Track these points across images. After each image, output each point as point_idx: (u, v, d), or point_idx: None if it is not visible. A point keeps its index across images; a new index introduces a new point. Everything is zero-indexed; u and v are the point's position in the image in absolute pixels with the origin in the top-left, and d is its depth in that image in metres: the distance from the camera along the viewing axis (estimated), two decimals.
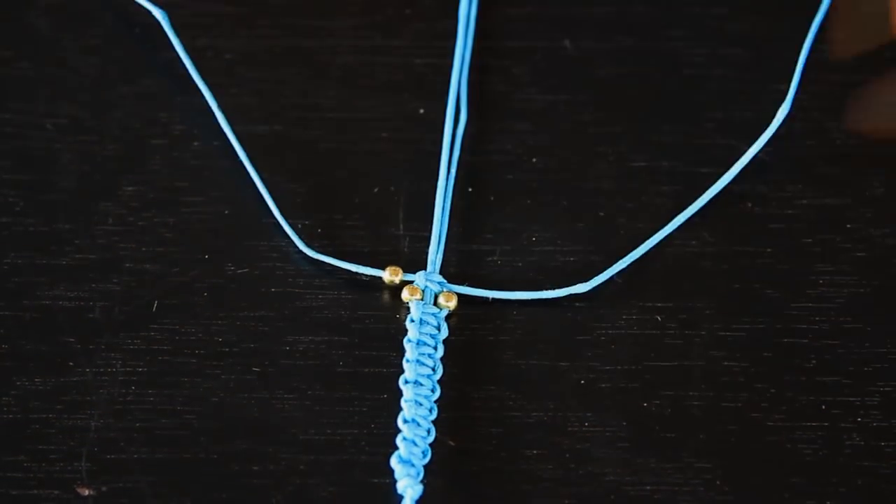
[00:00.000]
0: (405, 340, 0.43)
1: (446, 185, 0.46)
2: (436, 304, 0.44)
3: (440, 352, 0.43)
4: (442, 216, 0.45)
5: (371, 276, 0.44)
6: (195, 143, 0.47)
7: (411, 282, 0.44)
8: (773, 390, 0.43)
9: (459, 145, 0.47)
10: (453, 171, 0.46)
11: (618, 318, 0.44)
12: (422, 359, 0.42)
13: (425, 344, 0.43)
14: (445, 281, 0.44)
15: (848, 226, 0.46)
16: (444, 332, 0.43)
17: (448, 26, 0.50)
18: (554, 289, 0.44)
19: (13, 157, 0.46)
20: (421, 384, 0.42)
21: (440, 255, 0.45)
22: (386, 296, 0.44)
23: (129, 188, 0.46)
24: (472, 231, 0.46)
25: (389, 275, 0.44)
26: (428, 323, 0.43)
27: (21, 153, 0.46)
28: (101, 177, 0.46)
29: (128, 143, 0.47)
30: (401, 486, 0.40)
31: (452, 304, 0.44)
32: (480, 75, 0.49)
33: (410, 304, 0.43)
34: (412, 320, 0.43)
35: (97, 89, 0.48)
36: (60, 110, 0.48)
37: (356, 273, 0.44)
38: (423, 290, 0.44)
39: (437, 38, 0.50)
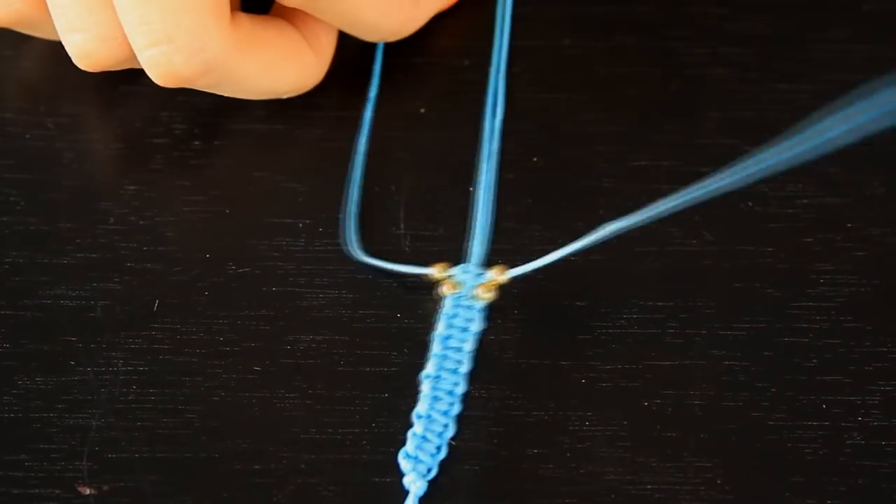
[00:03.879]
0: (434, 334, 0.42)
1: (486, 176, 0.46)
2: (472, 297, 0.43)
3: (470, 346, 0.42)
4: (483, 208, 0.45)
5: (420, 274, 0.44)
6: (196, 143, 0.47)
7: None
8: (773, 389, 0.43)
9: (500, 137, 0.47)
10: (494, 161, 0.46)
11: (618, 317, 0.44)
12: (448, 353, 0.42)
13: (453, 338, 0.42)
14: (483, 272, 0.43)
15: (848, 225, 0.46)
16: (478, 326, 0.42)
17: (449, 24, 0.50)
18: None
19: (14, 156, 0.46)
20: (442, 378, 0.42)
21: (484, 249, 0.44)
22: (387, 294, 0.44)
23: (131, 187, 0.46)
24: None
25: (438, 272, 0.44)
26: (460, 316, 0.43)
27: (22, 152, 0.46)
28: (102, 176, 0.46)
29: (129, 142, 0.47)
30: (407, 480, 0.40)
31: (490, 295, 0.43)
32: (481, 74, 0.49)
33: (446, 299, 0.43)
34: (445, 314, 0.43)
35: (99, 88, 0.48)
36: (62, 109, 0.47)
37: (404, 274, 0.44)
38: (461, 284, 0.43)
39: (439, 36, 0.49)
